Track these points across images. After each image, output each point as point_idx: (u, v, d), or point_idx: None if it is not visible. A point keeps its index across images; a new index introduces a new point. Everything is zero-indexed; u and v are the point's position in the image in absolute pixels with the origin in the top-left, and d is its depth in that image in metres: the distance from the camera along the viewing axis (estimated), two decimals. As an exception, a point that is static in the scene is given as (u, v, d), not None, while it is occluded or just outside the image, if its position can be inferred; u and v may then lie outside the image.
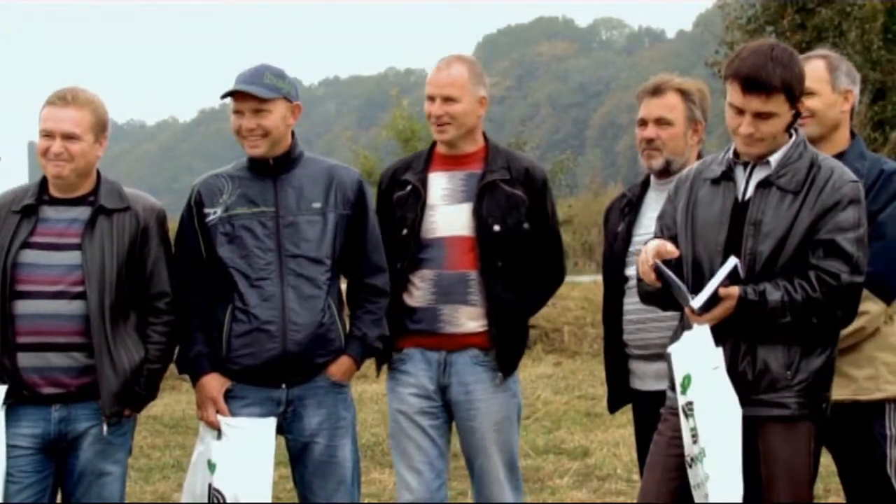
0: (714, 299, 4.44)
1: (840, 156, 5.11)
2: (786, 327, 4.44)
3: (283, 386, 5.32)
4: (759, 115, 4.52)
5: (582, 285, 19.04)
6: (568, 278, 6.20)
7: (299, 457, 5.42)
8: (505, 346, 5.63)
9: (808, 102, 5.16)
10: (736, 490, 4.31)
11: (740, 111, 4.56)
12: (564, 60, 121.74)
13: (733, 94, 4.57)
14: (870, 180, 5.12)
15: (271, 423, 5.29)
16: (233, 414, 5.29)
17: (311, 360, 5.32)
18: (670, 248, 4.56)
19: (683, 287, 4.50)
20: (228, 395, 5.32)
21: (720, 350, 4.41)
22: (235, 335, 5.28)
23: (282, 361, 5.25)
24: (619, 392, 5.62)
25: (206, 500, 5.28)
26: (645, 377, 5.42)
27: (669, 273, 4.51)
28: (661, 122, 5.49)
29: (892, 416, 5.19)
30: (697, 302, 4.43)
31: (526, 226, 5.63)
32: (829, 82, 5.28)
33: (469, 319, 5.59)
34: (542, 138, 68.51)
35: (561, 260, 5.87)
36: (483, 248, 5.57)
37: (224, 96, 5.31)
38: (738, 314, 4.44)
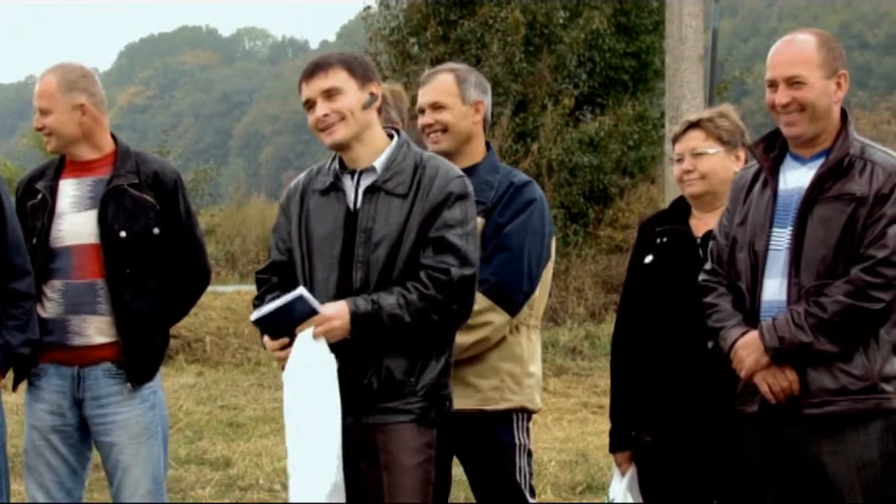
0: (286, 316, 4.39)
1: (474, 168, 5.26)
2: (408, 329, 4.43)
3: (-75, 396, 5.17)
4: (327, 95, 4.54)
5: (225, 295, 19.01)
6: (210, 288, 6.18)
7: (-58, 468, 5.27)
8: (135, 356, 5.48)
9: (440, 116, 5.32)
10: (322, 491, 4.33)
11: (311, 104, 4.58)
12: (208, 70, 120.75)
13: (303, 96, 4.61)
14: (499, 192, 5.24)
15: None
16: None
17: (-47, 369, 5.17)
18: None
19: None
20: None
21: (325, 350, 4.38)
22: None
23: (-76, 370, 5.09)
24: None
25: None
26: None
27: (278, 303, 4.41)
28: None
29: (519, 424, 5.32)
30: (255, 315, 4.40)
31: (156, 230, 5.46)
32: (459, 95, 5.35)
33: (98, 330, 5.43)
34: (186, 147, 67.94)
35: (202, 261, 5.75)
36: (109, 256, 5.40)
37: None
38: (358, 328, 4.41)
